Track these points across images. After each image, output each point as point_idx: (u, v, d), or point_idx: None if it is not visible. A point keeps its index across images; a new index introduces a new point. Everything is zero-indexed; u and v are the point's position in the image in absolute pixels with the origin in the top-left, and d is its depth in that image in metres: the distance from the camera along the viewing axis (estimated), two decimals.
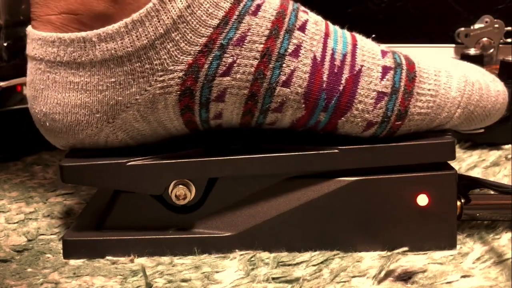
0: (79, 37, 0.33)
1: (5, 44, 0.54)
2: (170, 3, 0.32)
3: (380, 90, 0.34)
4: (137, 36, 0.32)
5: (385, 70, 0.34)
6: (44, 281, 0.32)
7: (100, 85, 0.33)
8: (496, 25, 0.65)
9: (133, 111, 0.33)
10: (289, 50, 0.33)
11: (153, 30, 0.32)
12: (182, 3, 0.32)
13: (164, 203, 0.34)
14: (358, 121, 0.34)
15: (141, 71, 0.33)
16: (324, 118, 0.34)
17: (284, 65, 0.33)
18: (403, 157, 0.33)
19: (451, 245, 0.34)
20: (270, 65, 0.33)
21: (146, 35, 0.32)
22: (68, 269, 0.34)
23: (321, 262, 0.33)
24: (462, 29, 0.66)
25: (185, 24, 0.32)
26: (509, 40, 0.66)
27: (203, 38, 0.32)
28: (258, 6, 0.33)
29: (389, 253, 0.33)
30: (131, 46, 0.32)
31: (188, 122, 0.34)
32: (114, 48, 0.32)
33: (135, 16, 0.32)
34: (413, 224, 0.34)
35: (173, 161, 0.33)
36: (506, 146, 0.51)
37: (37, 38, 0.34)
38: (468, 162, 0.48)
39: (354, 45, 0.35)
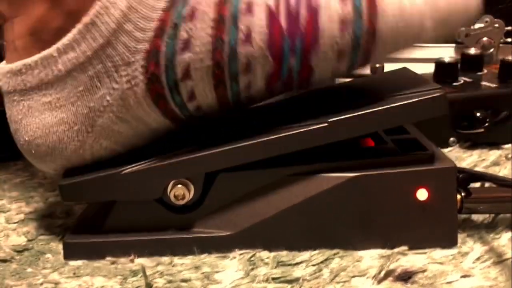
0: (41, 56, 0.33)
1: (4, 43, 0.54)
2: None
3: (343, 17, 0.33)
4: (92, 38, 0.32)
5: None
6: (44, 281, 0.32)
7: (70, 97, 0.33)
8: (496, 25, 0.65)
9: (107, 114, 0.34)
10: (242, 7, 0.33)
11: (105, 28, 0.32)
12: None
13: (163, 204, 0.34)
14: (329, 53, 0.33)
15: (104, 71, 0.33)
16: (295, 62, 0.33)
17: (239, 24, 0.33)
18: (394, 119, 0.33)
19: (452, 240, 0.34)
20: (226, 29, 0.33)
21: (100, 34, 0.32)
22: (68, 269, 0.34)
23: (321, 262, 0.33)
24: (462, 28, 0.66)
25: (135, 13, 0.32)
26: (509, 40, 0.66)
27: (154, 22, 0.32)
28: None
29: (389, 253, 0.33)
30: (89, 49, 0.32)
31: (165, 111, 0.34)
32: (74, 56, 0.33)
33: (85, 19, 0.32)
34: (413, 218, 0.34)
35: (167, 162, 0.33)
36: (506, 146, 0.51)
37: (6, 72, 0.34)
38: (468, 162, 0.48)
39: None
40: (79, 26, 0.32)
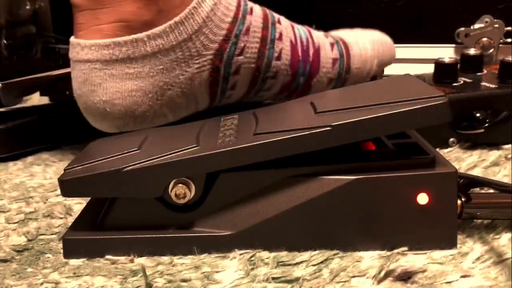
0: (131, 39, 0.43)
1: (5, 42, 0.55)
2: (200, 8, 0.45)
3: (333, 57, 0.54)
4: (179, 33, 0.44)
5: (332, 45, 0.54)
6: (44, 281, 0.32)
7: (151, 72, 0.44)
8: (496, 25, 0.65)
9: (176, 88, 0.45)
10: (276, 36, 0.50)
11: (190, 28, 0.44)
12: (207, 7, 0.45)
13: (164, 202, 0.35)
14: (324, 80, 0.53)
15: (182, 58, 0.44)
16: (302, 81, 0.52)
17: (275, 46, 0.49)
18: (397, 125, 0.33)
19: (451, 244, 0.34)
20: (267, 47, 0.49)
21: (185, 31, 0.44)
22: (68, 269, 0.34)
23: (321, 262, 0.33)
24: (462, 29, 0.66)
25: (210, 22, 0.45)
26: (509, 40, 0.66)
27: (223, 30, 0.46)
28: (251, 9, 0.49)
29: (389, 253, 0.33)
30: (175, 40, 0.44)
31: (212, 93, 0.47)
32: (162, 43, 0.43)
33: (177, 18, 0.44)
34: (413, 223, 0.34)
35: (169, 160, 0.33)
36: (506, 146, 0.51)
37: (90, 45, 0.43)
38: (468, 162, 0.48)
39: (309, 31, 0.54)
40: (170, 22, 0.43)
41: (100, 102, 0.44)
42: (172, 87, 0.44)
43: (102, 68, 0.43)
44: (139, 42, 0.43)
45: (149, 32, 0.43)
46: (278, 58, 0.49)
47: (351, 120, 0.33)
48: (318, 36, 0.54)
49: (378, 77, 0.59)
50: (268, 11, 0.51)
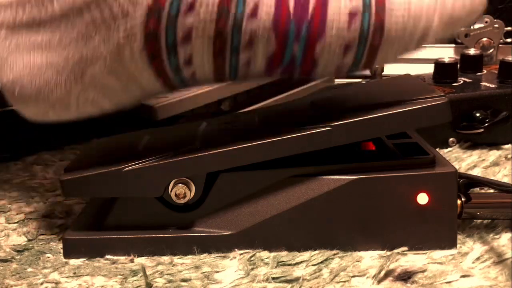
0: None
1: None
2: None
3: (351, 9, 0.33)
4: None
5: None
6: (44, 281, 0.32)
7: (62, 40, 0.32)
8: (496, 25, 0.65)
9: (99, 65, 0.32)
10: None
11: None
12: None
13: (164, 202, 0.35)
14: (335, 45, 0.33)
15: (101, 19, 0.31)
16: (298, 50, 0.33)
17: None
18: (397, 125, 0.34)
19: (451, 244, 0.34)
20: (233, 0, 0.32)
21: None
22: (68, 269, 0.34)
23: (321, 262, 0.33)
24: (462, 29, 0.66)
25: None
26: (509, 40, 0.66)
27: None
28: None
29: (388, 253, 0.33)
30: None
31: (159, 71, 0.33)
32: None
33: None
34: (413, 223, 0.34)
35: (170, 160, 0.33)
36: (506, 146, 0.51)
37: None
38: (468, 162, 0.48)
39: None
40: None
41: (8, 82, 0.33)
42: (92, 63, 0.32)
43: (7, 37, 0.33)
44: None
45: None
46: (253, 14, 0.32)
47: (351, 120, 0.33)
48: None
49: (441, 36, 0.35)
50: None
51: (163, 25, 0.32)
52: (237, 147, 0.33)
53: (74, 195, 0.36)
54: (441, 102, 0.33)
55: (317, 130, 0.33)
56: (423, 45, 0.35)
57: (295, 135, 0.33)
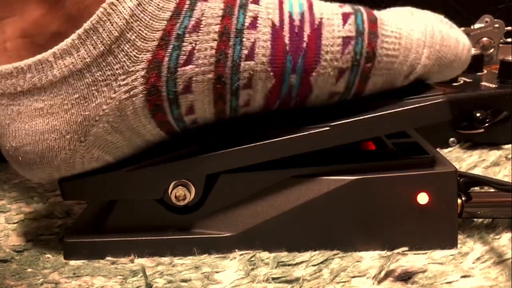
0: (35, 61, 0.31)
1: None
2: (121, 4, 0.31)
3: (344, 35, 0.34)
4: (92, 45, 0.31)
5: (345, 16, 0.34)
6: (44, 281, 0.32)
7: (64, 104, 0.32)
8: (496, 25, 0.65)
9: (103, 123, 0.32)
10: (246, 24, 0.32)
11: (107, 35, 0.31)
12: (132, 2, 0.31)
13: (164, 204, 0.35)
14: (329, 72, 0.34)
15: (103, 80, 0.31)
16: (295, 80, 0.33)
17: (244, 39, 0.32)
18: (396, 124, 0.33)
19: (452, 244, 0.34)
20: (230, 43, 0.32)
21: (101, 41, 0.31)
22: (68, 269, 0.34)
23: (321, 262, 0.33)
24: (462, 29, 0.66)
25: (138, 22, 0.31)
26: (509, 40, 0.66)
27: (158, 32, 0.31)
28: None
29: (389, 253, 0.33)
30: (89, 56, 0.31)
31: (162, 123, 0.33)
32: (72, 62, 0.31)
33: (86, 25, 0.31)
34: (413, 222, 0.34)
35: (169, 162, 0.33)
36: (506, 146, 0.51)
37: None
38: (468, 162, 0.48)
39: (310, 4, 0.35)
40: (79, 31, 0.31)
41: (11, 149, 0.33)
42: (96, 123, 0.32)
43: (8, 105, 0.32)
44: (44, 64, 0.31)
45: (54, 49, 0.31)
46: (250, 55, 0.32)
47: (351, 120, 0.33)
48: (324, 7, 0.35)
49: (432, 80, 0.38)
50: None
51: (164, 78, 0.32)
52: (237, 148, 0.33)
53: (74, 198, 0.36)
54: (440, 100, 0.33)
55: (317, 130, 0.33)
56: (410, 78, 0.36)
57: (294, 135, 0.33)
